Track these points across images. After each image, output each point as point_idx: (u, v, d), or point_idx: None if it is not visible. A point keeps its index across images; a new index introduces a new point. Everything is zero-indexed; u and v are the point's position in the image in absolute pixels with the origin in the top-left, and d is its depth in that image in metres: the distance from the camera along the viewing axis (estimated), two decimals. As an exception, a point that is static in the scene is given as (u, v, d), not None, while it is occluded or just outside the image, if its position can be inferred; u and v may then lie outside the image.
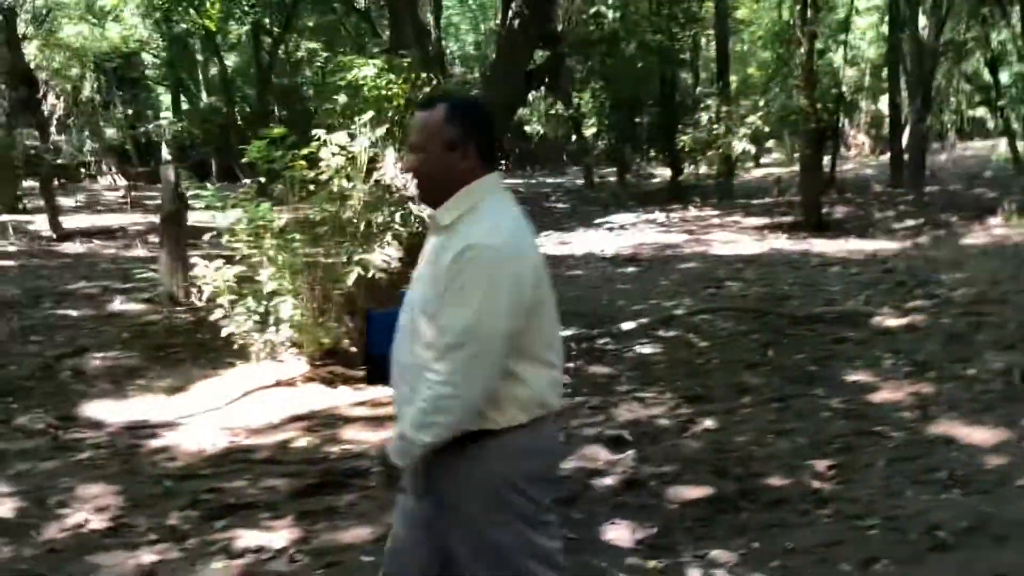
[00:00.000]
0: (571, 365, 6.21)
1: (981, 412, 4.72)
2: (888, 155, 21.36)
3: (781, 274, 9.86)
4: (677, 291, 8.93)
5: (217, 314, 6.03)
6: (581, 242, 13.29)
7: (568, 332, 7.05)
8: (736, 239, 13.18)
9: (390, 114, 6.22)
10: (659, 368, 6.15)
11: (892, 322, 7.12)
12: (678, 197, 18.69)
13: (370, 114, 6.15)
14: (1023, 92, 18.98)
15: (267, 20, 21.03)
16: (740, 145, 17.76)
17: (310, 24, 20.57)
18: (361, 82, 6.22)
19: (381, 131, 6.29)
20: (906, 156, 19.47)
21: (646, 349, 6.65)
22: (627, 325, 7.22)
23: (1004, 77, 18.68)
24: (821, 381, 5.66)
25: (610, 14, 17.90)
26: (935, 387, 5.25)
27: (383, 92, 6.10)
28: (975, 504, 3.58)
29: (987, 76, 19.98)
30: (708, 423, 4.93)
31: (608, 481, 4.18)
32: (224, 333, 6.04)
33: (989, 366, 5.52)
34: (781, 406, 5.19)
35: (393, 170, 6.38)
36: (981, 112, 24.47)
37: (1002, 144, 20.76)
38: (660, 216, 16.15)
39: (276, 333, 5.99)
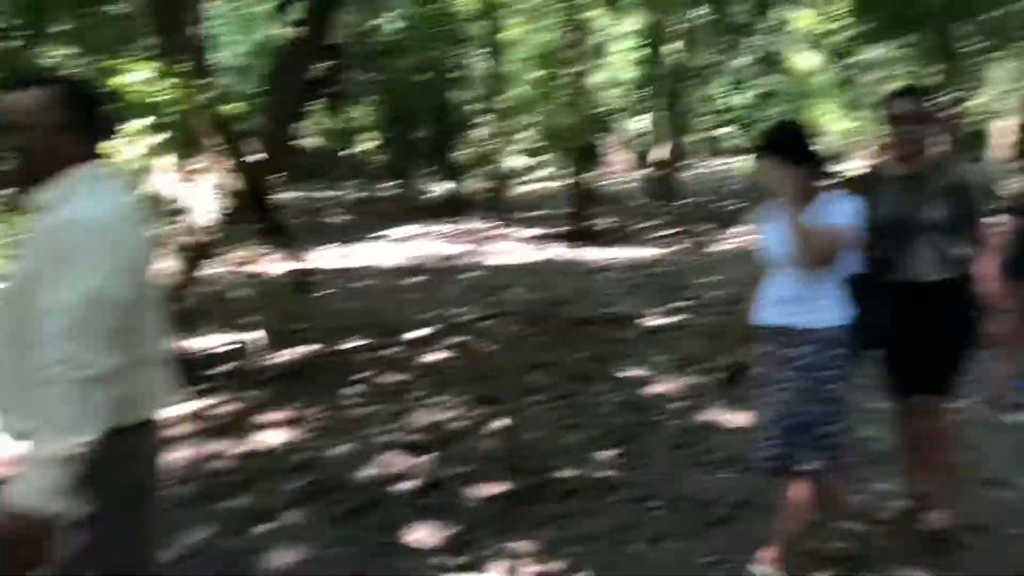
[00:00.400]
0: (364, 375, 6.21)
1: (742, 400, 5.20)
2: (646, 170, 22.92)
3: (557, 281, 10.32)
4: (461, 299, 9.11)
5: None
6: (363, 255, 13.22)
7: (358, 343, 7.06)
8: (514, 249, 13.63)
9: (167, 121, 5.93)
10: (450, 373, 6.26)
11: (659, 322, 7.68)
12: (457, 210, 19.02)
13: (143, 121, 5.84)
14: (759, 113, 20.99)
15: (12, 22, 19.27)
16: (513, 160, 18.38)
17: (64, 28, 19.03)
18: (129, 88, 5.88)
19: (156, 139, 5.99)
20: (662, 171, 21.00)
21: (436, 356, 6.75)
22: (416, 333, 7.31)
23: (743, 99, 20.63)
24: (601, 378, 6.01)
25: (392, 27, 17.98)
26: (702, 379, 5.74)
27: (156, 98, 5.82)
28: (745, 481, 3.96)
29: (729, 99, 21.95)
30: (501, 423, 5.10)
31: (408, 485, 4.24)
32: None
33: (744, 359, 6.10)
34: (567, 403, 5.47)
35: (165, 180, 6.11)
36: (727, 130, 26.79)
37: (743, 161, 22.87)
38: (440, 228, 16.37)
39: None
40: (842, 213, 2.99)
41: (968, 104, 17.35)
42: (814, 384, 2.98)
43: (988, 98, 16.58)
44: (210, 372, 6.07)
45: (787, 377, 3.02)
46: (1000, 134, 17.59)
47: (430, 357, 6.73)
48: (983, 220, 3.20)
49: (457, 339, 7.24)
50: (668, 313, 8.01)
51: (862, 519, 3.69)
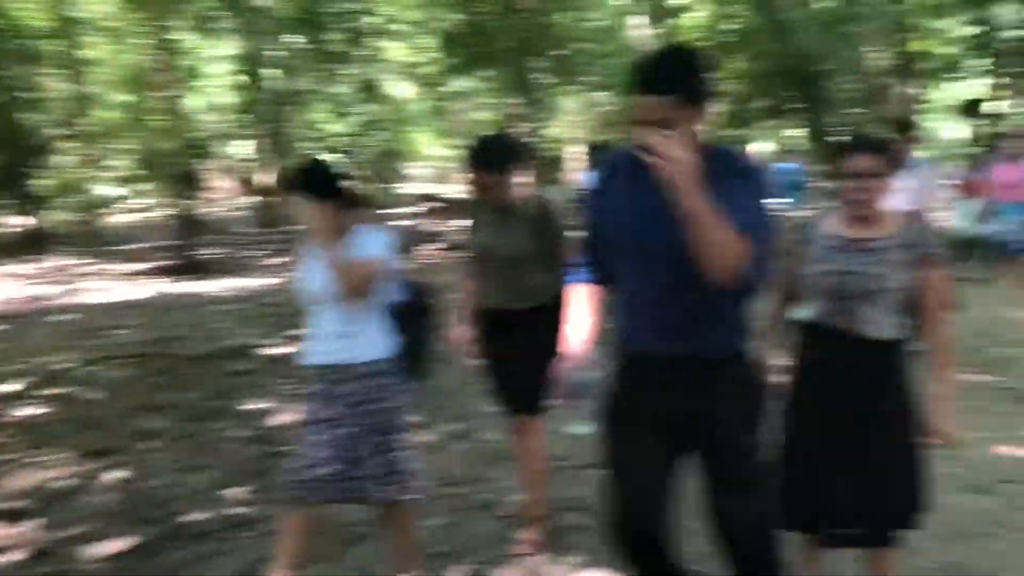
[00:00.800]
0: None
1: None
2: (252, 197, 22.54)
3: (166, 317, 9.79)
4: (58, 346, 8.26)
5: None
6: (-79, 303, 11.42)
7: (-71, 406, 6.14)
8: (114, 286, 12.63)
9: None
10: (51, 428, 5.68)
11: (280, 351, 7.64)
12: (40, 246, 17.17)
13: None
14: (360, 140, 21.63)
15: None
16: (104, 189, 17.01)
17: None
18: None
19: None
20: (269, 198, 20.78)
21: (31, 411, 6.09)
22: (2, 388, 6.53)
23: (345, 126, 21.11)
24: (224, 414, 5.85)
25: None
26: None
27: None
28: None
29: (331, 126, 22.31)
30: (118, 474, 4.77)
31: (12, 558, 3.82)
32: None
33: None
34: (189, 444, 5.26)
35: None
36: (329, 157, 27.24)
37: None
38: (21, 268, 14.68)
39: None
40: (375, 245, 3.09)
41: (545, 132, 19.39)
42: (369, 417, 3.08)
43: (561, 127, 18.64)
44: None
45: (340, 414, 3.08)
46: (572, 160, 19.91)
47: (22, 412, 6.05)
48: (568, 246, 3.44)
49: (58, 390, 6.59)
50: (288, 341, 7.99)
51: (488, 515, 4.06)
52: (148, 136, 15.26)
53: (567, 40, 20.65)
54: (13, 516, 4.25)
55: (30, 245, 17.18)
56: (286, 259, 15.05)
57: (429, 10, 20.40)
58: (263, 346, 7.85)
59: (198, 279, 13.08)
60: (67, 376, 7.00)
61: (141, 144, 15.65)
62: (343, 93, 19.76)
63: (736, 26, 22.16)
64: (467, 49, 19.43)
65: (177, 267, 14.03)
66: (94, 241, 17.84)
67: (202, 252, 15.09)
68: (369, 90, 20.67)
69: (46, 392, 6.53)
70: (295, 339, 8.04)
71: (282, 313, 9.62)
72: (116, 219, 21.94)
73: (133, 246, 17.47)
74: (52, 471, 4.86)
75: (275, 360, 7.38)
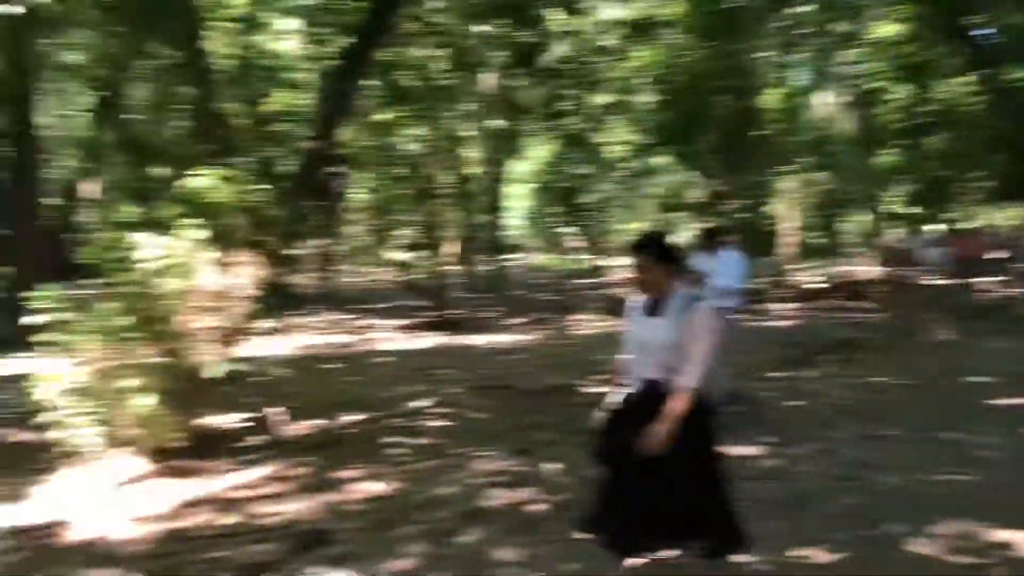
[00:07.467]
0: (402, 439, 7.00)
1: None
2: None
3: (467, 362, 11.34)
4: (400, 379, 9.92)
5: (48, 417, 5.78)
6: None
7: (358, 417, 7.79)
8: (393, 337, 14.48)
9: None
10: (465, 435, 7.20)
11: (594, 389, 8.98)
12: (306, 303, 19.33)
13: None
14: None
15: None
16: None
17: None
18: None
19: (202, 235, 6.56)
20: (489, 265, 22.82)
21: (440, 422, 7.66)
22: (411, 404, 8.23)
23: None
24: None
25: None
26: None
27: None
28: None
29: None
30: (553, 465, 6.16)
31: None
32: (55, 436, 5.78)
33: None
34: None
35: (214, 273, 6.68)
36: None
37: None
38: (310, 319, 16.89)
39: (107, 433, 5.90)
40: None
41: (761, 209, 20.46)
42: None
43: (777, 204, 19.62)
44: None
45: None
46: (786, 235, 20.82)
47: (435, 423, 7.64)
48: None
49: (443, 409, 8.17)
50: (599, 383, 9.32)
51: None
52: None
53: (767, 120, 21.85)
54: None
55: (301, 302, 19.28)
56: (527, 319, 16.65)
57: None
58: (579, 385, 9.22)
59: (458, 334, 14.70)
60: (442, 401, 8.55)
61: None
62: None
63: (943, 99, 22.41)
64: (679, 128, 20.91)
65: (436, 324, 15.77)
66: (347, 300, 20.05)
67: (449, 312, 16.85)
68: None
69: (437, 411, 8.12)
70: (604, 381, 9.39)
71: (576, 362, 10.94)
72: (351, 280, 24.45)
73: (381, 305, 19.55)
74: (498, 463, 6.30)
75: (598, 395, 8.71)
